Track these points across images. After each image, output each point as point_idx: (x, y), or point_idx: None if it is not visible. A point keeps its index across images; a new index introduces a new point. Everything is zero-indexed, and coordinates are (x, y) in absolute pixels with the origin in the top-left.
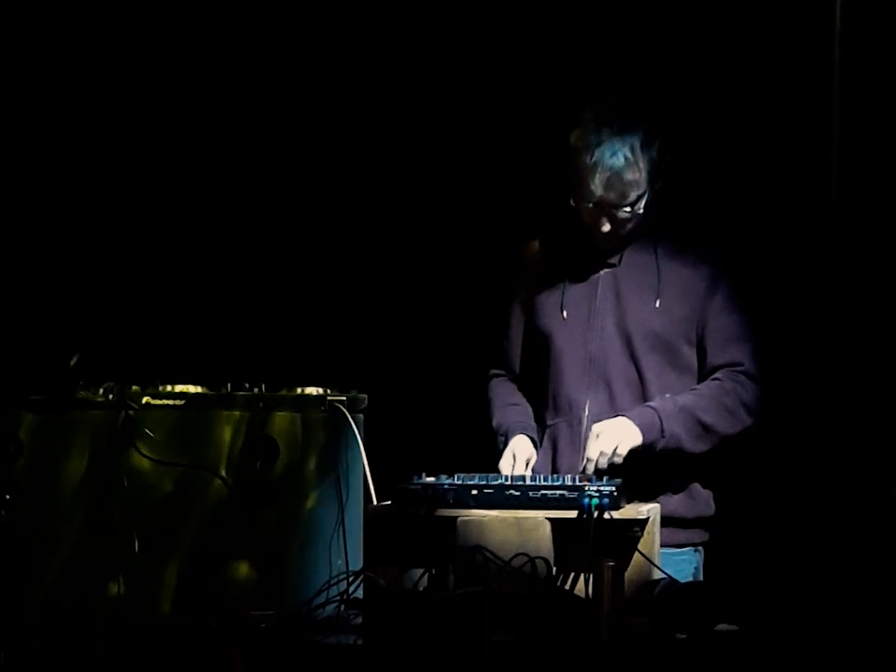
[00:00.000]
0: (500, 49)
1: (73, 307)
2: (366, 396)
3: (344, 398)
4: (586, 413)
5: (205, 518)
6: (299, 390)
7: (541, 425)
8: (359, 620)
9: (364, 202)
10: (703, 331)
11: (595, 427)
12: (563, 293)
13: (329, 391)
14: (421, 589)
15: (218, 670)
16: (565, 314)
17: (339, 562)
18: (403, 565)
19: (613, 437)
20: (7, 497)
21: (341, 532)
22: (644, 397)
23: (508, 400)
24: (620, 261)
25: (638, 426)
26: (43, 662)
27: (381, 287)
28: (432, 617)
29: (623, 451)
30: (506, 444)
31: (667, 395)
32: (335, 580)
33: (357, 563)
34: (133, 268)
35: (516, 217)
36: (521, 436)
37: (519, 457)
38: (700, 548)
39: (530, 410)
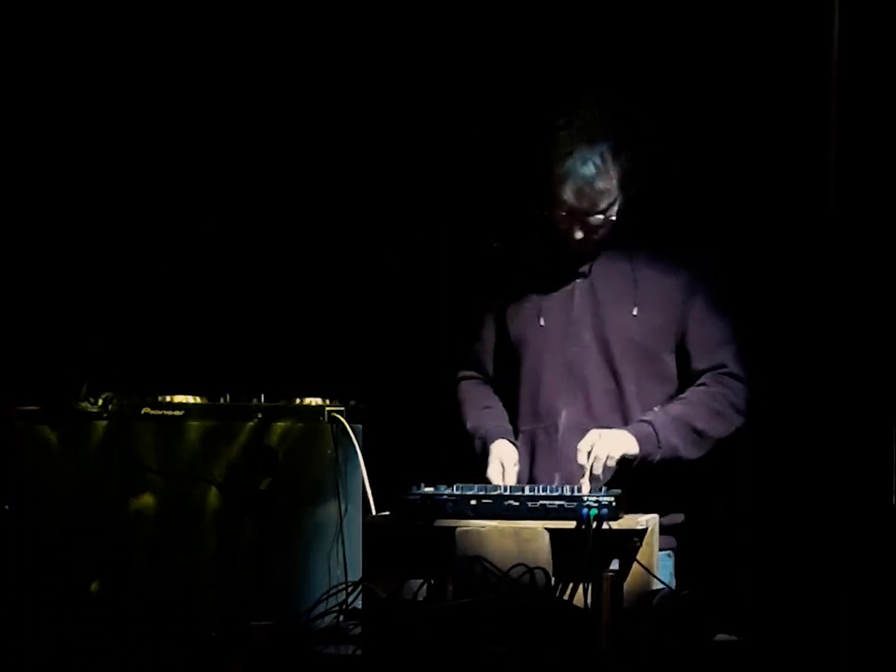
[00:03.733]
0: (500, 49)
1: (71, 319)
2: (365, 406)
3: (343, 408)
4: (562, 419)
5: (205, 528)
6: (298, 400)
7: (515, 429)
8: (358, 630)
9: (364, 202)
10: (683, 338)
11: (593, 432)
12: (539, 301)
13: (328, 401)
14: (420, 599)
15: None
16: (542, 321)
17: (338, 572)
18: (402, 575)
19: (606, 443)
20: (7, 507)
21: (340, 542)
22: (622, 405)
23: (482, 403)
24: (591, 270)
25: (634, 435)
26: (45, 663)
27: (380, 297)
28: (431, 627)
29: (616, 454)
30: (484, 448)
31: (656, 408)
32: (334, 590)
33: (355, 573)
34: (133, 280)
35: (516, 218)
36: (502, 441)
37: (507, 465)
38: (671, 552)
39: (505, 413)
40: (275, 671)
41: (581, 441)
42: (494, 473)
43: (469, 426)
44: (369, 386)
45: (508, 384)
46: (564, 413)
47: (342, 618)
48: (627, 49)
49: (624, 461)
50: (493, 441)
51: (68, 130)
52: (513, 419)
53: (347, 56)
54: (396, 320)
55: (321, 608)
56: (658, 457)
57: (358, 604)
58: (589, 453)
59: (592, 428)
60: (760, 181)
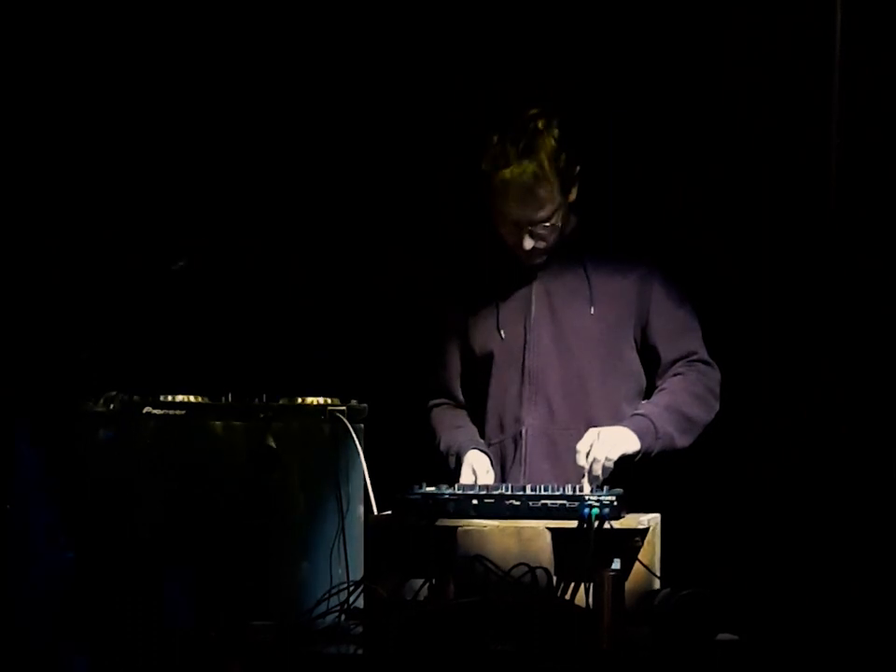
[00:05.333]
0: (503, 52)
1: (74, 318)
2: (366, 405)
3: (345, 407)
4: (526, 428)
5: (207, 528)
6: (299, 400)
7: (486, 444)
8: (360, 630)
9: (367, 202)
10: (646, 331)
11: (591, 432)
12: (497, 314)
13: (329, 401)
14: (421, 599)
15: None
16: (502, 334)
17: (339, 572)
18: (404, 575)
19: (605, 444)
20: (8, 507)
21: (341, 542)
22: (585, 406)
23: (453, 423)
24: (545, 275)
25: (634, 431)
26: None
27: (382, 296)
28: (432, 627)
29: (614, 455)
30: (458, 462)
31: (643, 401)
32: (336, 589)
33: (357, 573)
34: (135, 280)
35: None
36: (475, 451)
37: (479, 471)
38: None
39: (476, 430)
40: (277, 671)
41: (580, 442)
42: (466, 480)
43: (442, 446)
44: (370, 386)
45: (477, 399)
46: (527, 422)
47: (343, 617)
48: (626, 48)
49: (624, 458)
50: (466, 453)
51: (71, 130)
52: (484, 434)
53: (347, 57)
54: (398, 319)
55: (322, 607)
56: (657, 449)
57: (360, 603)
58: (588, 453)
59: (556, 433)
60: (761, 181)
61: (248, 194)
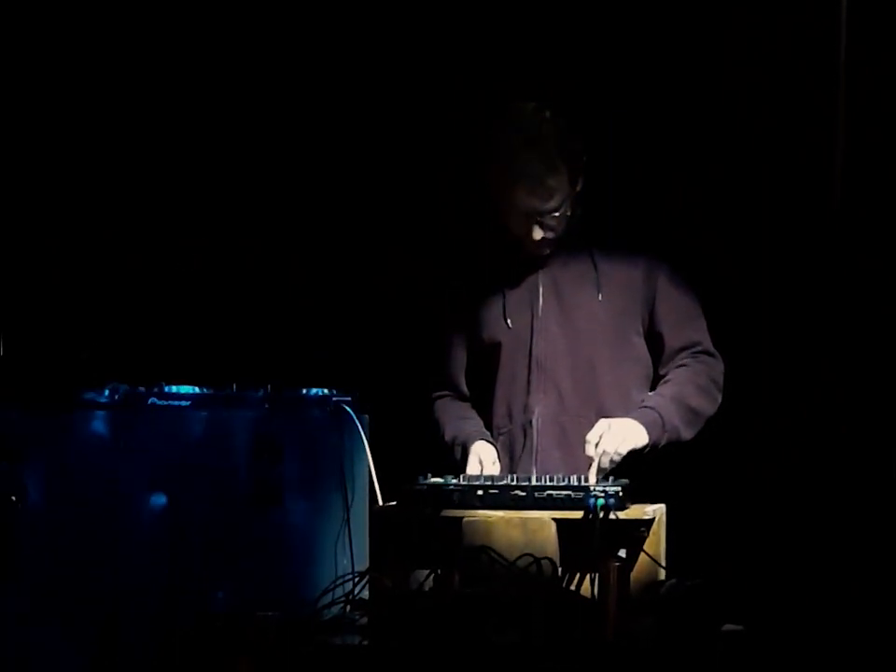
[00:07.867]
0: (500, 48)
1: (78, 309)
2: (372, 396)
3: (350, 398)
4: (536, 416)
5: (211, 519)
6: (304, 390)
7: (494, 433)
8: (365, 620)
9: (364, 205)
10: (653, 318)
11: (602, 424)
12: (504, 303)
13: (334, 391)
14: (427, 589)
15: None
16: (509, 323)
17: (344, 562)
18: (409, 565)
19: (615, 437)
20: (14, 498)
21: (346, 532)
22: (596, 393)
23: (459, 415)
24: (552, 264)
25: (643, 424)
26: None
27: (389, 287)
28: (438, 617)
29: (624, 450)
30: (464, 453)
31: (650, 392)
32: (341, 580)
33: (362, 563)
34: (139, 268)
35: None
36: (481, 441)
37: (486, 462)
38: None
39: (481, 422)
40: (282, 662)
41: (590, 433)
42: (472, 470)
43: (447, 437)
44: (376, 376)
45: (484, 389)
46: (537, 410)
47: (348, 608)
48: (626, 47)
49: (633, 451)
50: (472, 443)
51: (70, 130)
52: (491, 423)
53: (347, 60)
54: (398, 319)
55: (328, 598)
56: (664, 441)
57: (365, 594)
58: (597, 444)
59: (566, 420)
60: (762, 181)
61: (248, 194)
